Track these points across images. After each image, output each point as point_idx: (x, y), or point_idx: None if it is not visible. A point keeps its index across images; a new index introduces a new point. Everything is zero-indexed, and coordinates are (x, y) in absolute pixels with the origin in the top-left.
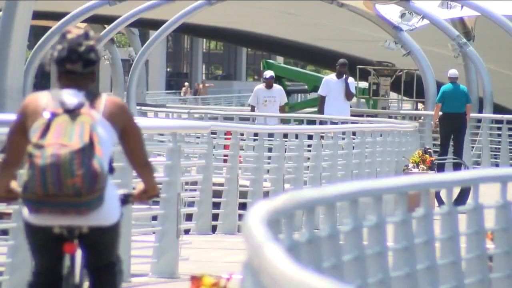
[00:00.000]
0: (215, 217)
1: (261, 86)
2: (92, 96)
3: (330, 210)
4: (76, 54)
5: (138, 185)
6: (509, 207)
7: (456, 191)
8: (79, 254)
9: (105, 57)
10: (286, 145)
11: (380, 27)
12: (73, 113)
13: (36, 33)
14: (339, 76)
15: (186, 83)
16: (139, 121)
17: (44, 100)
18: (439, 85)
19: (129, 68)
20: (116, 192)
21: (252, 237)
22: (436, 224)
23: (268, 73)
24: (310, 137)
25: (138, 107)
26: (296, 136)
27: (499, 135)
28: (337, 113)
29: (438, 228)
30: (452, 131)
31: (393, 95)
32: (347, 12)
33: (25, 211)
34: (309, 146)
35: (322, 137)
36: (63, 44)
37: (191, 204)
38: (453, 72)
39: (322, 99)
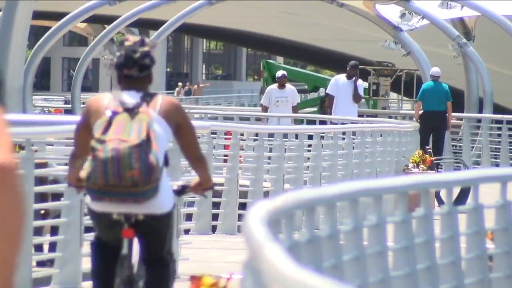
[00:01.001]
0: (215, 217)
1: (273, 86)
2: (149, 96)
3: (330, 210)
4: (132, 60)
5: (195, 177)
6: (509, 207)
7: (456, 191)
8: (136, 246)
9: (105, 57)
10: (286, 145)
11: (380, 27)
12: (132, 111)
13: (36, 33)
14: (349, 77)
15: (180, 83)
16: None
17: (106, 100)
18: None
19: None
20: (170, 184)
21: (252, 237)
22: (436, 224)
23: (280, 72)
24: (310, 137)
25: None
26: (296, 136)
27: (499, 135)
28: (344, 114)
29: (438, 228)
30: (431, 129)
31: (393, 95)
32: (347, 12)
33: (88, 198)
34: (309, 146)
35: (322, 137)
36: (120, 51)
37: (191, 204)
38: (435, 70)
39: (331, 99)
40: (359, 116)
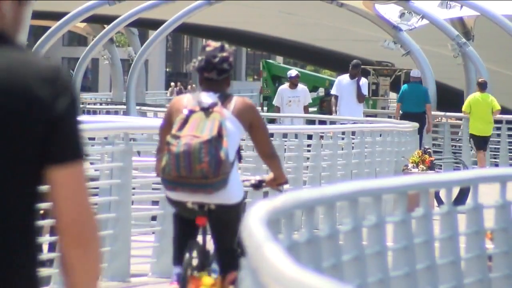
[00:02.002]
0: None
1: (285, 86)
2: (225, 97)
3: (330, 210)
4: (212, 65)
5: (270, 173)
6: (509, 207)
7: (456, 191)
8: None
9: (104, 57)
10: (285, 145)
11: (379, 27)
12: (207, 110)
13: (36, 33)
14: (352, 77)
15: (172, 83)
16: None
17: (186, 100)
18: (438, 85)
19: (128, 68)
20: (240, 177)
21: (252, 237)
22: (435, 224)
23: (293, 72)
24: (309, 137)
25: (138, 107)
26: (296, 136)
27: (498, 135)
28: (348, 114)
29: (438, 228)
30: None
31: (393, 95)
32: (347, 12)
33: (165, 189)
34: (308, 146)
35: (321, 137)
36: (202, 56)
37: None
38: (415, 72)
39: (335, 99)
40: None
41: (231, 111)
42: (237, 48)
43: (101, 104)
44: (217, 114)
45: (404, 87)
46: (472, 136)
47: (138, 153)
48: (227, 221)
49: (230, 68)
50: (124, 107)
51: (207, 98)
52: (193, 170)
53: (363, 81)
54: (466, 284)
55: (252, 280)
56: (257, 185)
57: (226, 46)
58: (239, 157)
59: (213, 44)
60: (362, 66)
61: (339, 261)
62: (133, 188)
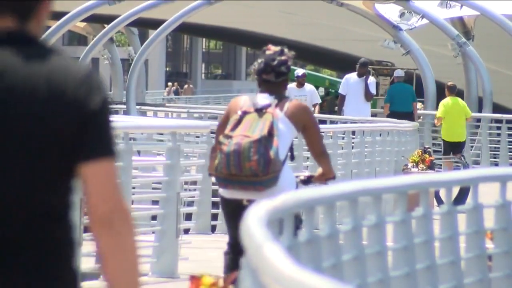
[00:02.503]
0: (215, 216)
1: (291, 85)
2: (280, 99)
3: (330, 210)
4: (270, 67)
5: (318, 169)
6: (509, 206)
7: (456, 190)
8: None
9: (104, 56)
10: None
11: (379, 26)
12: (261, 111)
13: None
14: (359, 76)
15: (170, 83)
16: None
17: (242, 102)
18: (438, 85)
19: (128, 68)
20: (292, 175)
21: (251, 237)
22: (435, 224)
23: (300, 71)
24: None
25: (138, 107)
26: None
27: (498, 134)
28: (356, 113)
29: (438, 228)
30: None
31: None
32: (347, 12)
33: (218, 186)
34: None
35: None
36: (261, 59)
37: (190, 203)
38: (399, 72)
39: (341, 98)
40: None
41: (284, 112)
42: (237, 48)
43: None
44: (269, 115)
45: (391, 87)
46: (444, 142)
47: (138, 152)
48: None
49: (288, 71)
50: (124, 106)
51: (263, 99)
52: (242, 168)
53: (371, 79)
54: (466, 284)
55: (252, 280)
56: (306, 181)
57: (286, 50)
58: (292, 156)
59: (273, 48)
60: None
61: (339, 261)
62: (133, 188)
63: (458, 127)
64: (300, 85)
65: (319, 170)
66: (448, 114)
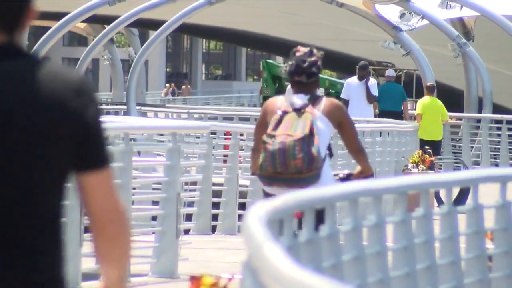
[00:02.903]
0: (215, 217)
1: None
2: (315, 99)
3: (330, 210)
4: (301, 69)
5: (357, 167)
6: (509, 207)
7: (456, 191)
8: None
9: (105, 57)
10: None
11: (379, 27)
12: (299, 111)
13: (36, 33)
14: (360, 79)
15: (167, 84)
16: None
17: (279, 102)
18: (438, 85)
19: (128, 68)
20: (331, 171)
21: (251, 237)
22: (435, 224)
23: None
24: None
25: (138, 107)
26: None
27: (498, 135)
28: (359, 116)
29: (438, 228)
30: None
31: None
32: (347, 12)
33: (262, 184)
34: None
35: None
36: (292, 61)
37: (190, 204)
38: (390, 71)
39: (344, 103)
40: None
41: (321, 111)
42: (237, 48)
43: (101, 104)
44: (308, 114)
45: (380, 86)
46: (420, 140)
47: (139, 153)
48: (318, 212)
49: (318, 71)
50: (125, 107)
51: (298, 99)
52: (288, 166)
53: (372, 81)
54: (466, 284)
55: (252, 280)
56: (345, 179)
57: (315, 51)
58: (330, 154)
59: (302, 50)
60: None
61: (339, 261)
62: (133, 188)
63: (434, 126)
64: None
65: (358, 168)
66: (425, 113)
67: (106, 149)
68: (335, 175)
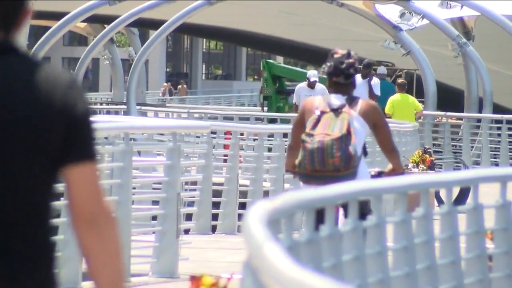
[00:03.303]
0: (215, 217)
1: (302, 84)
2: (352, 99)
3: (330, 210)
4: (339, 70)
5: (388, 165)
6: (509, 207)
7: (456, 191)
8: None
9: (105, 57)
10: (286, 145)
11: (379, 27)
12: (336, 111)
13: (36, 33)
14: (364, 77)
15: (165, 84)
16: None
17: (317, 102)
18: (438, 85)
19: (129, 68)
20: (367, 169)
21: (252, 237)
22: (436, 224)
23: (312, 78)
24: None
25: (138, 107)
26: None
27: (498, 135)
28: None
29: (438, 228)
30: None
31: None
32: (347, 12)
33: (300, 182)
34: None
35: None
36: (330, 62)
37: (191, 204)
38: (381, 69)
39: None
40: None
41: (357, 111)
42: (237, 48)
43: (101, 104)
44: (345, 114)
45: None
46: None
47: (139, 153)
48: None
49: (355, 73)
50: (125, 107)
51: (336, 100)
52: (326, 164)
53: (375, 81)
54: (466, 284)
55: (252, 280)
56: (377, 176)
57: (352, 53)
58: (365, 152)
59: (340, 52)
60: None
61: (339, 261)
62: (133, 188)
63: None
64: (311, 85)
65: (389, 166)
66: (396, 110)
67: (93, 144)
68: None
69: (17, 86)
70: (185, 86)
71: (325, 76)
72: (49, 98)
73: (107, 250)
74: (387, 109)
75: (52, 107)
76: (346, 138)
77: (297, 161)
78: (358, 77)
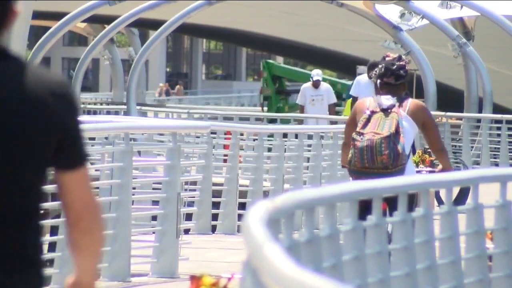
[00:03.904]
0: (215, 217)
1: (307, 84)
2: (401, 100)
3: (330, 210)
4: (390, 71)
5: (439, 166)
6: (509, 207)
7: (456, 191)
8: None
9: (105, 57)
10: (286, 145)
11: (379, 27)
12: (386, 111)
13: (36, 33)
14: (370, 77)
15: (161, 84)
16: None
17: (368, 103)
18: (438, 85)
19: (129, 68)
20: (413, 168)
21: (251, 237)
22: (435, 224)
23: (316, 76)
24: (310, 137)
25: (138, 107)
26: (296, 136)
27: (498, 135)
28: None
29: (438, 228)
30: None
31: None
32: (347, 12)
33: (350, 178)
34: (309, 146)
35: (322, 137)
36: (382, 64)
37: (191, 204)
38: (361, 69)
39: (353, 100)
40: None
41: (406, 111)
42: (237, 48)
43: (101, 104)
44: (395, 114)
45: (351, 84)
46: None
47: (139, 153)
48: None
49: (406, 74)
50: (125, 107)
51: (386, 100)
52: (375, 162)
53: None
54: (466, 284)
55: (252, 280)
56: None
57: (403, 56)
58: (413, 151)
59: (392, 55)
60: (362, 66)
61: (339, 261)
62: (133, 188)
63: None
64: (316, 84)
65: (439, 166)
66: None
67: (83, 149)
68: (418, 172)
69: (4, 91)
70: (181, 86)
71: (328, 77)
72: (40, 102)
73: (90, 247)
74: (345, 111)
75: (43, 111)
76: (394, 137)
77: (347, 158)
78: (365, 77)
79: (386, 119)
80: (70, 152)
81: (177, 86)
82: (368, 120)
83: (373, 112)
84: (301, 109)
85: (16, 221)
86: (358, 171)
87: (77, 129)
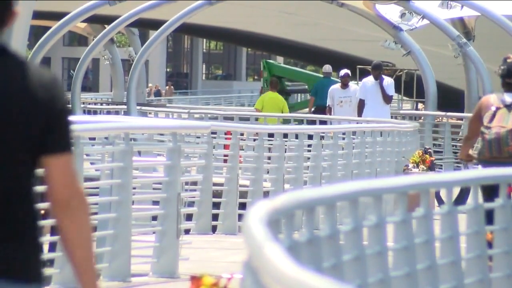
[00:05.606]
0: (215, 217)
1: (336, 86)
2: None
3: (330, 210)
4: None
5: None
6: (509, 207)
7: (456, 191)
8: None
9: (105, 57)
10: (286, 145)
11: (380, 27)
12: (509, 107)
13: (36, 33)
14: (375, 78)
15: (150, 84)
16: (141, 120)
17: (492, 100)
18: (439, 85)
19: (129, 68)
20: None
21: (252, 237)
22: (436, 224)
23: (343, 71)
24: (310, 137)
25: (138, 107)
26: (296, 136)
27: None
28: (374, 117)
29: (438, 228)
30: (321, 123)
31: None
32: (347, 12)
33: (479, 167)
34: (309, 146)
35: (322, 137)
36: (504, 66)
37: (191, 204)
38: (326, 67)
39: (360, 102)
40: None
41: None
42: (237, 48)
43: (101, 104)
44: None
45: (317, 82)
46: None
47: (139, 153)
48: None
49: None
50: (125, 107)
51: (509, 98)
52: (502, 152)
53: (388, 81)
54: (466, 284)
55: (252, 280)
56: None
57: None
58: None
59: None
60: (362, 67)
61: (339, 261)
62: (134, 188)
63: (272, 120)
64: (345, 85)
65: None
66: (265, 107)
67: (69, 137)
68: None
69: (5, 83)
70: (172, 87)
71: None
72: (33, 93)
73: (80, 231)
74: (256, 105)
75: (35, 102)
76: None
77: (476, 150)
78: (371, 79)
79: (509, 114)
80: (55, 137)
81: (167, 87)
82: (493, 115)
83: (498, 108)
84: (329, 110)
85: (13, 203)
86: (487, 161)
87: (63, 117)
